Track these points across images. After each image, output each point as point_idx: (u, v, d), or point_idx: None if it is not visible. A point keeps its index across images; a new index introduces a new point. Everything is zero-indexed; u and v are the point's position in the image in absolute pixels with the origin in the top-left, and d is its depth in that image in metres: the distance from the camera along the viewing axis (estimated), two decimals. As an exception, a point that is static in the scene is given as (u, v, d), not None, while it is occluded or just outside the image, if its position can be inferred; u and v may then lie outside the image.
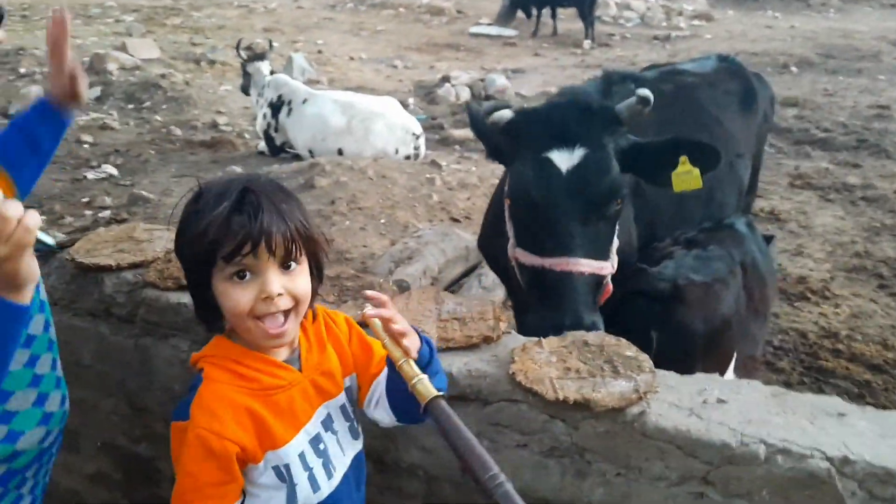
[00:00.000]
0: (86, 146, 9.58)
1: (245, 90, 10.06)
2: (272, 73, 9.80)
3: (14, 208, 1.22)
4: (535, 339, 1.99)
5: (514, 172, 2.45)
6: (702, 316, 2.48)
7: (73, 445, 2.65)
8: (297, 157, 8.93)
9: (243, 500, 1.46)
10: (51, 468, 1.92)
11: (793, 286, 5.58)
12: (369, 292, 1.48)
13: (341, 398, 1.64)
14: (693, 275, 2.56)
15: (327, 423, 1.60)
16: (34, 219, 1.24)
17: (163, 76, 12.44)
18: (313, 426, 1.56)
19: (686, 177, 2.37)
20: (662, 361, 2.48)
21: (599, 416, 1.77)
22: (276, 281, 1.42)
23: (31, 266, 1.30)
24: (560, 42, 17.90)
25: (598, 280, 2.36)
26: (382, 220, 6.19)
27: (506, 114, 2.48)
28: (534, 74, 13.93)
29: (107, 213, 7.22)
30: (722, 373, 2.58)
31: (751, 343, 2.87)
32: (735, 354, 2.64)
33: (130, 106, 11.66)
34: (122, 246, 2.45)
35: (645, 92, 2.40)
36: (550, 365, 1.86)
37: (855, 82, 12.25)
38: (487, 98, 11.80)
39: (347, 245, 5.71)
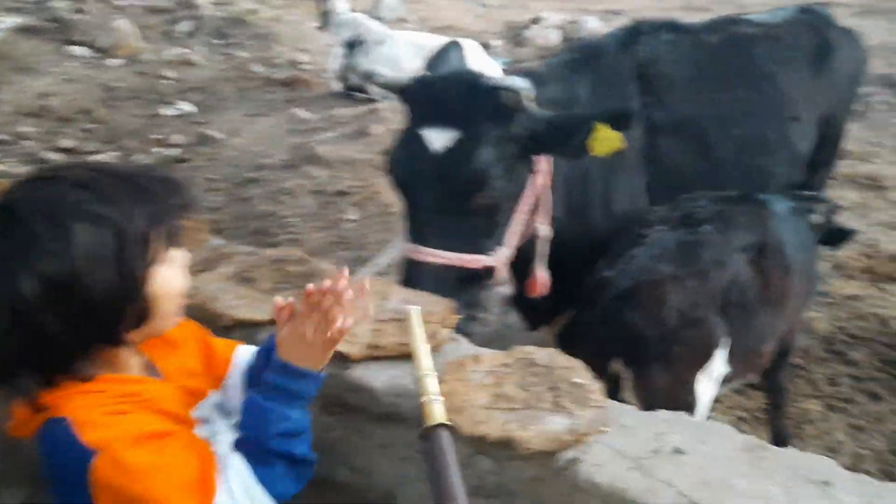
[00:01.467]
0: (166, 81, 9.71)
1: (323, 28, 9.89)
2: (351, 11, 9.57)
3: None
4: (476, 352, 1.72)
5: (395, 144, 2.26)
6: (655, 317, 2.22)
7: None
8: (372, 100, 8.73)
9: None
10: None
11: (883, 264, 4.96)
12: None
13: (215, 396, 1.45)
14: (663, 265, 2.27)
15: (207, 426, 1.40)
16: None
17: (251, 11, 12.41)
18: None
19: (605, 140, 2.15)
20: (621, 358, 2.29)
21: (527, 458, 1.49)
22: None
23: None
24: (669, -21, 16.72)
25: (470, 273, 2.16)
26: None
27: (401, 79, 2.30)
28: (632, 17, 13.07)
29: (175, 152, 7.29)
30: (693, 370, 2.29)
31: (756, 336, 2.53)
32: (718, 349, 2.33)
33: (218, 41, 11.72)
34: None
35: (518, 86, 2.10)
36: (482, 388, 1.59)
37: None
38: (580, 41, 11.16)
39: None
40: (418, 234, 2.16)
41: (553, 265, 2.66)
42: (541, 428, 1.49)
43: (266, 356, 1.42)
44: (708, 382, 2.38)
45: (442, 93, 2.19)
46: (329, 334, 1.29)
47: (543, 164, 2.26)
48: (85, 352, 1.21)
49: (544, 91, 2.44)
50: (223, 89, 9.59)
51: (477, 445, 1.54)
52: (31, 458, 2.74)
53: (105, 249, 1.15)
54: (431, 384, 1.31)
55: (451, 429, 1.25)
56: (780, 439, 3.17)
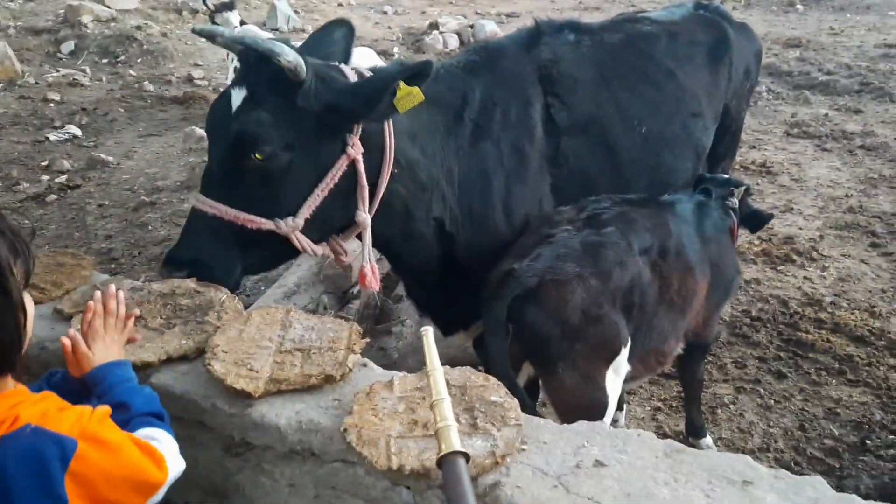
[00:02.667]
0: (52, 105, 9.19)
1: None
2: (242, 23, 9.31)
3: None
4: (387, 379, 1.64)
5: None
6: (558, 315, 2.23)
7: None
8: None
9: None
10: None
11: (778, 247, 5.17)
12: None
13: None
14: (569, 265, 2.27)
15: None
16: None
17: (139, 28, 11.94)
18: None
19: (407, 97, 2.18)
20: (526, 354, 2.33)
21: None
22: None
23: None
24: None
25: (238, 230, 2.16)
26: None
27: (238, 39, 2.30)
28: (528, 19, 13.23)
29: (62, 178, 6.89)
30: (600, 367, 2.30)
31: (657, 336, 2.56)
32: (625, 348, 2.34)
33: (104, 60, 11.22)
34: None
35: (289, 57, 2.10)
36: (395, 417, 1.51)
37: (863, 20, 11.56)
38: (474, 44, 11.27)
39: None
40: (205, 186, 2.23)
41: (457, 268, 2.66)
42: (459, 453, 1.43)
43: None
44: (616, 379, 2.38)
45: (247, 56, 2.22)
46: None
47: (357, 147, 2.25)
48: None
49: (435, 88, 2.44)
50: (113, 110, 9.15)
51: (394, 477, 1.47)
52: None
53: None
54: (446, 409, 1.28)
55: (466, 456, 1.24)
56: (695, 430, 3.23)
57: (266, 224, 2.16)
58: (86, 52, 11.30)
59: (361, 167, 2.24)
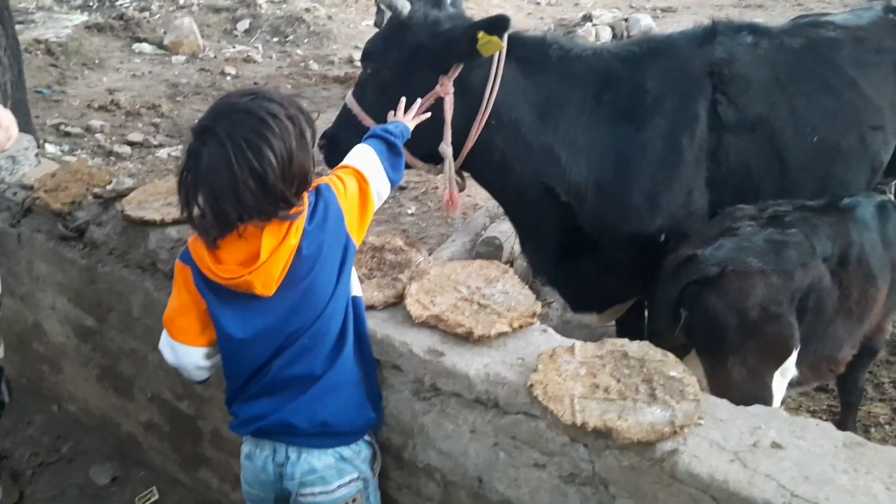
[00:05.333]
0: (228, 78, 9.90)
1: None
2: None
3: None
4: (569, 344, 1.75)
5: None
6: (738, 307, 2.22)
7: (128, 393, 2.72)
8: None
9: None
10: None
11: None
12: None
13: None
14: (752, 259, 2.27)
15: None
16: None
17: (307, 10, 12.57)
18: None
19: (488, 45, 2.45)
20: (695, 343, 2.36)
21: (624, 448, 1.52)
22: None
23: None
24: (724, -25, 16.42)
25: (360, 124, 2.60)
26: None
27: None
28: (684, 14, 12.86)
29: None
30: (770, 367, 2.28)
31: (832, 344, 2.51)
32: (795, 352, 2.31)
33: (275, 39, 11.91)
34: (172, 199, 2.40)
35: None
36: (577, 378, 1.62)
37: None
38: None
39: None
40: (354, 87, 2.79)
41: (583, 241, 2.81)
42: (638, 419, 1.51)
43: None
44: (782, 381, 2.37)
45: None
46: None
47: (447, 87, 2.55)
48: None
49: (573, 66, 2.76)
50: (282, 86, 9.74)
51: (574, 434, 1.58)
52: (119, 436, 2.87)
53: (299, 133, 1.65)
54: None
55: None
56: (849, 437, 3.13)
57: (373, 124, 2.54)
58: (259, 31, 12.04)
59: (447, 105, 2.55)
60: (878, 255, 2.56)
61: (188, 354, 1.79)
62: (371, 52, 2.71)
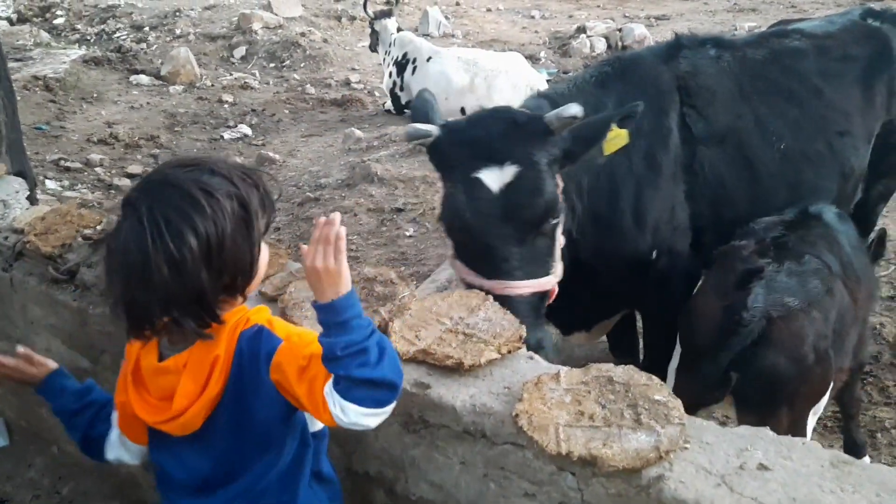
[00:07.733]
0: (226, 105, 9.99)
1: (373, 48, 10.07)
2: (399, 30, 9.72)
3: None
4: (554, 371, 1.74)
5: (446, 195, 2.28)
6: (795, 356, 2.13)
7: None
8: (422, 117, 8.81)
9: None
10: None
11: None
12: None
13: None
14: (788, 299, 2.18)
15: None
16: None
17: (303, 34, 12.68)
18: None
19: (615, 140, 2.30)
20: (741, 401, 2.24)
21: (610, 476, 1.52)
22: None
23: None
24: (716, -19, 16.49)
25: (542, 295, 2.29)
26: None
27: (431, 133, 2.31)
28: (679, 22, 12.92)
29: (236, 174, 7.50)
30: (809, 408, 2.22)
31: (844, 356, 2.46)
32: (832, 385, 2.27)
33: (271, 65, 12.01)
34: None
35: (574, 110, 2.19)
36: (563, 406, 1.61)
37: None
38: (624, 49, 11.10)
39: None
40: (496, 271, 2.20)
41: (583, 271, 2.71)
42: (623, 446, 1.51)
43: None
44: (814, 418, 2.31)
45: (485, 134, 2.24)
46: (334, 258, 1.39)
47: (559, 178, 2.34)
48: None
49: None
50: (279, 111, 9.83)
51: (561, 462, 1.57)
52: (118, 477, 2.83)
53: (240, 216, 1.43)
54: None
55: None
56: (855, 449, 3.10)
57: (554, 280, 2.33)
58: (255, 57, 12.16)
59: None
60: (857, 256, 2.56)
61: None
62: (552, 198, 2.25)
